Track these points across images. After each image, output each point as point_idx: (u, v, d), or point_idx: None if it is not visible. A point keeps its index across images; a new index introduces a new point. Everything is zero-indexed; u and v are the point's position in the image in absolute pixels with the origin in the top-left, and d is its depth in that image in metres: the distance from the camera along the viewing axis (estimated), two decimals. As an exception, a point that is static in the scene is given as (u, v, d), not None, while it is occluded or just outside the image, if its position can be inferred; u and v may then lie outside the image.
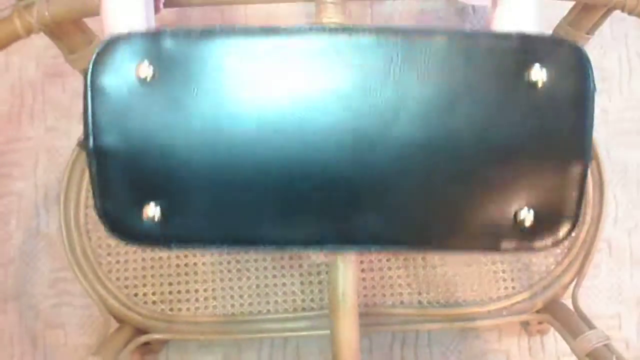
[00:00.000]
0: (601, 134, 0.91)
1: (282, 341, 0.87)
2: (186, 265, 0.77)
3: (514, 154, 0.45)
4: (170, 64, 0.45)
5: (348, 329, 0.57)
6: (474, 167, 0.44)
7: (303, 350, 0.87)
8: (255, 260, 0.76)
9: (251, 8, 0.95)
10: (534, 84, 0.44)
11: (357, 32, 0.42)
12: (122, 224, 0.46)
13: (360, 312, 0.62)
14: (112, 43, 0.47)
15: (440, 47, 0.43)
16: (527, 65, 0.44)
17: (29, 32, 0.60)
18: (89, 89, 0.47)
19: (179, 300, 0.76)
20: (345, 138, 0.41)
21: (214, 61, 0.44)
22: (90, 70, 0.45)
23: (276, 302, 0.76)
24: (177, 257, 0.77)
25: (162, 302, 0.76)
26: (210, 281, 0.76)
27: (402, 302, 0.75)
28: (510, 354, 0.87)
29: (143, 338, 0.75)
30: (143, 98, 0.45)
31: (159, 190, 0.46)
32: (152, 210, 0.45)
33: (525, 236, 0.46)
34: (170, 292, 0.76)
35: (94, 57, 0.46)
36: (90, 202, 0.77)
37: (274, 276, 0.76)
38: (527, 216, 0.45)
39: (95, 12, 0.62)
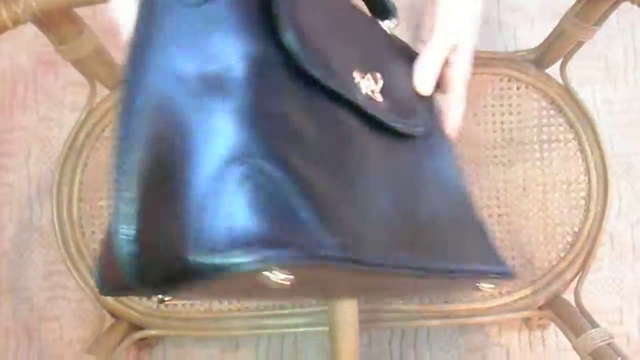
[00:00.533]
0: (605, 125, 0.90)
1: (280, 337, 0.86)
2: (182, 260, 0.75)
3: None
4: None
5: (347, 325, 0.57)
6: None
7: (301, 346, 0.86)
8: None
9: None
10: None
11: None
12: None
13: (359, 308, 0.61)
14: None
15: None
16: None
17: (16, 22, 0.58)
18: None
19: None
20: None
21: None
22: None
23: (274, 298, 0.75)
24: (173, 252, 0.75)
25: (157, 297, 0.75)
26: (207, 276, 0.75)
27: (401, 299, 0.74)
28: (511, 348, 0.86)
29: (138, 334, 0.74)
30: None
31: None
32: None
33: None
34: (165, 288, 0.75)
35: None
36: (84, 195, 0.75)
37: (272, 272, 0.75)
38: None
39: (84, 1, 0.59)
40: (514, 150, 0.76)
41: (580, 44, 0.70)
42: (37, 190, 0.91)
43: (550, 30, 0.74)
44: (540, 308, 0.74)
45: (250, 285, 0.30)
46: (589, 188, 0.75)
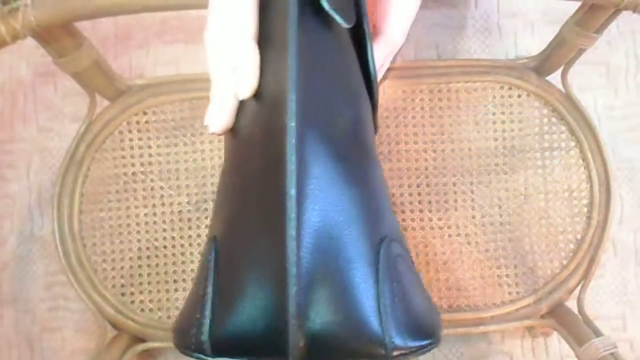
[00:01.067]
0: (607, 131, 0.89)
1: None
2: (183, 271, 0.75)
3: None
4: None
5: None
6: None
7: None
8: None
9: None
10: None
11: None
12: None
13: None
14: None
15: None
16: None
17: (14, 38, 0.58)
18: None
19: (177, 308, 0.75)
20: None
21: None
22: None
23: (276, 308, 0.74)
24: (174, 263, 0.75)
25: (159, 309, 0.75)
26: (208, 287, 0.75)
27: (404, 308, 0.74)
28: (514, 355, 0.86)
29: (141, 347, 0.74)
30: None
31: None
32: None
33: None
34: (167, 299, 0.75)
35: None
36: (85, 207, 0.75)
37: (273, 282, 0.75)
38: None
39: (83, 16, 0.59)
40: (515, 158, 0.76)
41: (581, 51, 0.70)
42: (38, 201, 0.91)
43: (551, 36, 0.73)
44: (542, 316, 0.74)
45: None
46: (591, 196, 0.75)
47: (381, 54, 0.48)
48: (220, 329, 0.35)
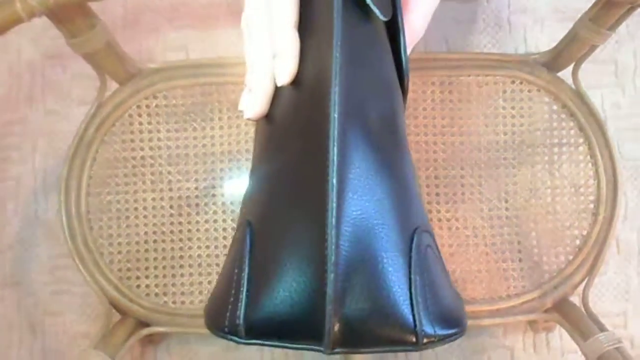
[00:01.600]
0: (613, 129, 0.90)
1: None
2: (190, 257, 0.75)
3: None
4: None
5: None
6: None
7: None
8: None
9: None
10: None
11: None
12: None
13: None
14: None
15: None
16: None
17: (31, 15, 0.57)
18: None
19: (182, 293, 0.75)
20: None
21: None
22: None
23: (281, 296, 0.75)
24: (181, 248, 0.75)
25: (164, 294, 0.75)
26: (215, 273, 0.75)
27: (409, 299, 0.74)
28: (515, 350, 0.86)
29: (145, 331, 0.73)
30: None
31: None
32: None
33: None
34: (173, 285, 0.75)
35: None
36: (92, 190, 0.75)
37: (280, 270, 0.75)
38: None
39: (100, -4, 0.59)
40: (523, 152, 0.76)
41: (593, 48, 0.70)
42: (43, 184, 0.91)
43: (561, 33, 0.74)
44: (547, 311, 0.75)
45: None
46: (598, 192, 0.75)
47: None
48: (255, 311, 0.36)
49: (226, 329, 0.38)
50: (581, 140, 0.76)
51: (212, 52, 0.91)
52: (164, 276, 0.75)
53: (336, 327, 0.33)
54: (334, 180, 0.32)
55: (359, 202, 0.33)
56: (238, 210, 0.74)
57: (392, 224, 0.35)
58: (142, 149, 0.76)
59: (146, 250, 0.75)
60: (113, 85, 0.76)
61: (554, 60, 0.75)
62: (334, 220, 0.32)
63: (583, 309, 0.71)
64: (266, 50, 0.39)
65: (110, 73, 0.73)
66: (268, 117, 0.41)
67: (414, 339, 0.35)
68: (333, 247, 0.32)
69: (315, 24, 0.37)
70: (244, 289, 0.36)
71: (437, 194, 0.75)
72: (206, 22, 0.92)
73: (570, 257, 0.75)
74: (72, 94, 0.92)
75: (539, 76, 0.75)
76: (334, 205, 0.32)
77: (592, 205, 0.75)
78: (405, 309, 0.34)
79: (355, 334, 0.34)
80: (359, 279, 0.33)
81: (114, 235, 0.75)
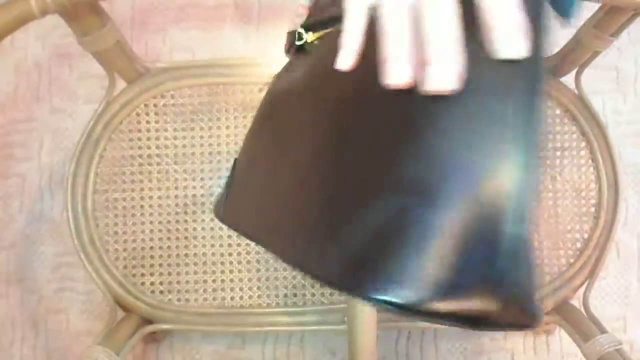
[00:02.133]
0: (614, 135, 0.91)
1: (287, 335, 0.86)
2: (195, 255, 0.76)
3: None
4: None
5: (366, 322, 0.57)
6: None
7: (307, 344, 0.86)
8: (266, 252, 0.75)
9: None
10: None
11: None
12: None
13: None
14: None
15: None
16: None
17: (44, 12, 0.58)
18: None
19: (187, 291, 0.75)
20: None
21: None
22: None
23: (285, 295, 0.75)
24: (186, 247, 0.76)
25: (169, 291, 0.75)
26: (219, 272, 0.75)
27: (412, 300, 0.75)
28: (516, 352, 0.87)
29: (149, 328, 0.74)
30: None
31: None
32: None
33: None
34: (178, 282, 0.75)
35: None
36: (99, 187, 0.76)
37: (284, 269, 0.75)
38: None
39: (113, -6, 0.60)
40: (526, 156, 0.77)
41: (596, 54, 0.71)
42: (49, 182, 0.91)
43: (563, 38, 0.75)
44: (548, 313, 0.75)
45: None
46: (600, 196, 0.76)
47: None
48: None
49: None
50: (583, 144, 0.77)
51: (218, 52, 0.92)
52: (169, 274, 0.75)
53: None
54: None
55: None
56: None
57: None
58: (148, 147, 0.76)
59: (151, 248, 0.76)
60: (120, 85, 0.77)
61: (557, 65, 0.76)
62: None
63: (583, 311, 0.71)
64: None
65: (119, 71, 0.74)
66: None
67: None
68: None
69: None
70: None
71: (441, 196, 0.76)
72: (213, 23, 0.93)
73: (572, 260, 0.75)
74: (79, 92, 0.93)
75: (542, 81, 0.76)
76: None
77: (593, 209, 0.76)
78: None
79: None
80: None
81: (120, 233, 0.76)
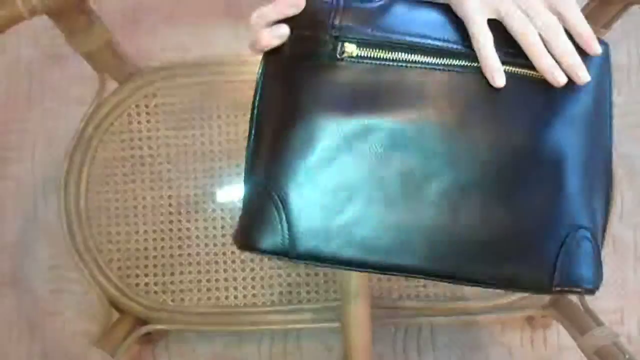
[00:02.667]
0: (609, 127, 0.90)
1: (283, 333, 0.86)
2: (189, 255, 0.75)
3: None
4: None
5: (360, 320, 0.57)
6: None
7: (304, 342, 0.86)
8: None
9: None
10: None
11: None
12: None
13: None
14: None
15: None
16: None
17: (32, 13, 0.58)
18: None
19: (181, 291, 0.75)
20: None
21: None
22: None
23: (280, 293, 0.75)
24: (180, 247, 0.75)
25: (163, 292, 0.75)
26: (213, 271, 0.75)
27: (407, 295, 0.75)
28: (513, 346, 0.87)
29: (144, 329, 0.74)
30: None
31: None
32: None
33: None
34: (172, 283, 0.75)
35: None
36: (91, 188, 0.75)
37: (279, 267, 0.75)
38: None
39: (100, -6, 0.59)
40: (520, 150, 0.76)
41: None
42: (42, 184, 0.91)
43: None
44: (544, 307, 0.75)
45: None
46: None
47: None
48: None
49: None
50: (577, 137, 0.76)
51: (210, 50, 0.91)
52: (163, 274, 0.75)
53: None
54: None
55: None
56: (236, 209, 0.74)
57: None
58: (140, 148, 0.76)
59: (145, 249, 0.75)
60: (112, 86, 0.77)
61: (550, 58, 0.76)
62: None
63: (580, 305, 0.71)
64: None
65: (109, 72, 0.74)
66: None
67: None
68: None
69: None
70: None
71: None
72: (204, 21, 0.93)
73: (567, 254, 0.75)
74: (71, 93, 0.92)
75: (535, 74, 0.76)
76: None
77: (588, 202, 0.76)
78: None
79: None
80: None
81: (113, 234, 0.75)
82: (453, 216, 0.41)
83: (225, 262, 0.75)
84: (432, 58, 0.42)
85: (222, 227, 0.75)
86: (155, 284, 0.75)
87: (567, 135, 0.43)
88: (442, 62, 0.43)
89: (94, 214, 0.75)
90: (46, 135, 0.92)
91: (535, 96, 0.43)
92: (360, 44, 0.42)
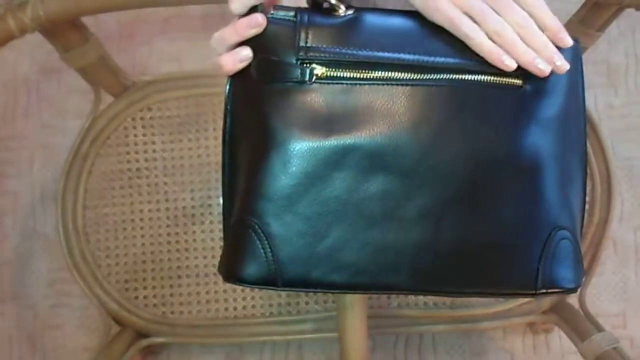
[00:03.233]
0: (607, 129, 0.90)
1: (285, 344, 0.86)
2: (187, 267, 0.75)
3: None
4: None
5: (356, 331, 0.56)
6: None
7: (306, 352, 0.86)
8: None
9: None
10: None
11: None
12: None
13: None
14: None
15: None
16: None
17: (23, 31, 0.58)
18: None
19: (181, 303, 0.75)
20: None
21: None
22: None
23: (279, 304, 0.75)
24: (178, 259, 0.75)
25: (163, 304, 0.75)
26: (212, 283, 0.75)
27: (407, 304, 0.74)
28: (515, 352, 0.86)
29: (144, 342, 0.74)
30: None
31: None
32: None
33: None
34: (171, 295, 0.75)
35: None
36: (89, 202, 0.75)
37: (277, 278, 0.75)
38: None
39: (90, 10, 0.60)
40: (517, 155, 0.76)
41: (583, 49, 0.71)
42: (41, 198, 0.91)
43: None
44: (544, 312, 0.75)
45: None
46: (593, 193, 0.75)
47: None
48: None
49: None
50: (574, 141, 0.76)
51: (205, 62, 0.91)
52: (162, 287, 0.75)
53: None
54: None
55: None
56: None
57: None
58: (137, 160, 0.76)
59: (144, 262, 0.75)
60: (108, 99, 0.77)
61: (545, 62, 0.75)
62: None
63: (580, 310, 0.71)
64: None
65: (104, 86, 0.74)
66: None
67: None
68: None
69: None
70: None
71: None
72: (199, 34, 0.93)
73: (567, 259, 0.75)
74: (68, 107, 0.93)
75: (530, 79, 0.76)
76: None
77: (587, 207, 0.75)
78: None
79: None
80: None
81: (111, 248, 0.75)
82: (435, 231, 0.41)
83: (223, 274, 0.75)
84: (403, 74, 0.42)
85: (220, 239, 0.75)
86: (155, 296, 0.75)
87: (542, 137, 0.42)
88: (414, 77, 0.42)
89: (91, 228, 0.75)
90: (44, 150, 0.92)
91: (506, 102, 0.42)
92: (330, 64, 0.41)
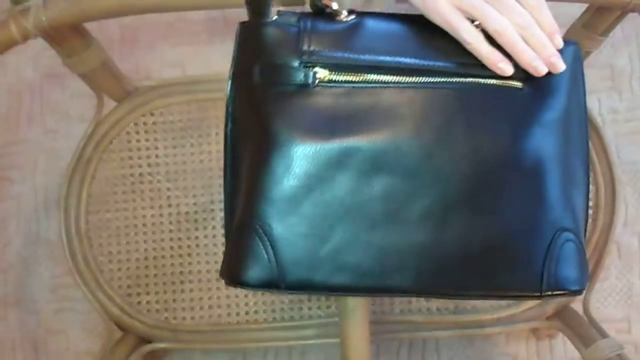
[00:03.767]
0: (611, 133, 0.90)
1: (288, 349, 0.85)
2: (190, 272, 0.75)
3: None
4: None
5: (359, 337, 0.56)
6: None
7: (308, 358, 0.86)
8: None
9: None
10: None
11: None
12: None
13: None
14: None
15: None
16: None
17: (25, 37, 0.58)
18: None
19: (183, 309, 0.75)
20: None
21: None
22: None
23: (282, 309, 0.75)
24: (181, 264, 0.75)
25: (165, 310, 0.75)
26: (215, 288, 0.75)
27: (410, 309, 0.74)
28: (518, 358, 0.86)
29: (147, 347, 0.74)
30: None
31: None
32: None
33: None
34: (174, 300, 0.75)
35: None
36: (91, 207, 0.75)
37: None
38: None
39: (93, 16, 0.60)
40: (521, 160, 0.76)
41: (587, 54, 0.70)
42: (44, 203, 0.91)
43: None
44: (548, 318, 0.74)
45: None
46: (597, 198, 0.75)
47: None
48: None
49: None
50: (578, 146, 0.76)
51: (208, 67, 0.91)
52: (165, 292, 0.75)
53: None
54: None
55: None
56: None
57: None
58: (140, 166, 0.76)
59: (146, 267, 0.75)
60: (111, 104, 0.77)
61: (548, 67, 0.75)
62: None
63: (584, 316, 0.71)
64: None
65: (107, 91, 0.74)
66: None
67: None
68: None
69: None
70: None
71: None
72: (202, 38, 0.93)
73: (571, 264, 0.74)
74: (71, 112, 0.93)
75: (533, 83, 0.75)
76: None
77: (590, 211, 0.75)
78: None
79: None
80: None
81: (114, 253, 0.75)
82: (439, 233, 0.41)
83: (226, 279, 0.75)
84: (405, 77, 0.42)
85: (223, 244, 0.75)
86: (157, 302, 0.75)
87: (544, 139, 0.42)
88: (416, 80, 0.42)
89: (94, 233, 0.75)
90: (48, 155, 0.92)
91: (508, 104, 0.42)
92: (332, 68, 0.42)
